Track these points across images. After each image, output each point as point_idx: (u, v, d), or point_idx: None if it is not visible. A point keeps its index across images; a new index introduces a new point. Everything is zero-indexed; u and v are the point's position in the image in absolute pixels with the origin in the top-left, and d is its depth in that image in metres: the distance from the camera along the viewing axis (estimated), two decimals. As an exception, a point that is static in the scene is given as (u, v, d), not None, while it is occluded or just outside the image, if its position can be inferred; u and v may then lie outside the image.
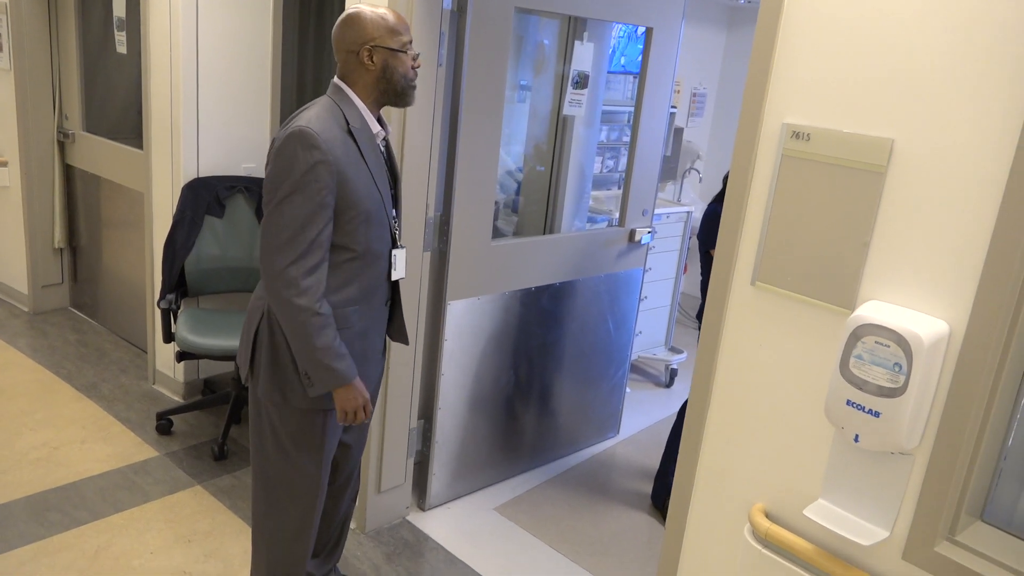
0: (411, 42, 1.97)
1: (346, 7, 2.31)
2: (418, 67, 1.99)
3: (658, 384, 4.51)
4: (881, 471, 1.47)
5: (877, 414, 1.39)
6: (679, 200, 5.15)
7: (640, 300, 3.65)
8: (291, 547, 2.19)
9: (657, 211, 4.31)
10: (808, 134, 1.51)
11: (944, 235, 1.36)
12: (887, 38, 1.39)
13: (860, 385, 1.40)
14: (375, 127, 1.99)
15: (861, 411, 1.41)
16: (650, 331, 4.47)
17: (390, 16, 1.93)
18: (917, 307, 1.40)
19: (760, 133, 1.59)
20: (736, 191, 1.64)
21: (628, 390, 4.24)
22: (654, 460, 3.58)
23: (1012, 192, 1.27)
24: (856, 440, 1.43)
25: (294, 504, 2.14)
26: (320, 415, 2.06)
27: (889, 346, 1.36)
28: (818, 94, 1.50)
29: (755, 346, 1.65)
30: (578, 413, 3.55)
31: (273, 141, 1.91)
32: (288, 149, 1.83)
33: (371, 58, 1.91)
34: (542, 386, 3.34)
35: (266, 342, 2.00)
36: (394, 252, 2.08)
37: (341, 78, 1.97)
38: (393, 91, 1.97)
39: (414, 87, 2.00)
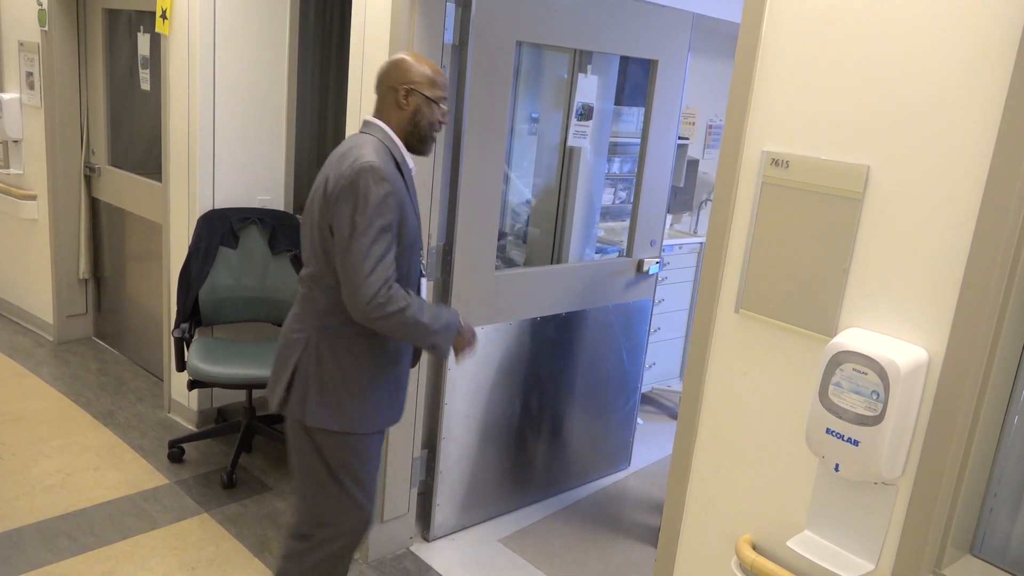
0: (445, 99, 2.11)
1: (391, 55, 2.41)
2: (444, 124, 2.13)
3: (672, 416, 4.46)
4: (864, 502, 1.44)
5: (856, 443, 1.37)
6: (695, 231, 5.13)
7: (652, 331, 3.64)
8: (337, 566, 2.28)
9: (670, 242, 4.31)
10: (787, 161, 1.52)
11: (921, 261, 1.35)
12: (862, 67, 1.40)
13: (839, 413, 1.38)
14: (411, 162, 2.12)
15: (840, 439, 1.39)
16: (664, 362, 4.44)
17: (433, 69, 2.09)
18: (896, 334, 1.39)
19: (741, 161, 1.59)
20: (719, 219, 1.64)
21: (640, 422, 4.21)
22: (665, 493, 3.52)
23: (985, 218, 1.25)
24: (836, 469, 1.41)
25: (345, 526, 2.21)
26: (367, 437, 2.14)
27: (867, 373, 1.34)
28: (796, 122, 1.50)
29: (740, 374, 1.64)
30: (587, 445, 3.52)
31: (327, 180, 1.99)
32: (361, 183, 1.92)
33: (407, 98, 2.05)
34: (550, 417, 3.32)
35: (313, 372, 2.06)
36: (422, 280, 2.23)
37: (376, 114, 2.10)
38: (417, 135, 2.09)
39: (435, 139, 2.14)
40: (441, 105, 2.10)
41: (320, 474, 2.14)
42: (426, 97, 2.05)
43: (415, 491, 2.95)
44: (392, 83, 2.06)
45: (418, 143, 2.11)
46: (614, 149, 3.82)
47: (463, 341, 2.14)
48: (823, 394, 1.40)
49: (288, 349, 2.11)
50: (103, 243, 4.58)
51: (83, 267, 4.55)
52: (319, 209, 2.00)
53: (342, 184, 1.94)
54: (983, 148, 1.26)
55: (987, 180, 1.25)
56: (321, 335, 2.06)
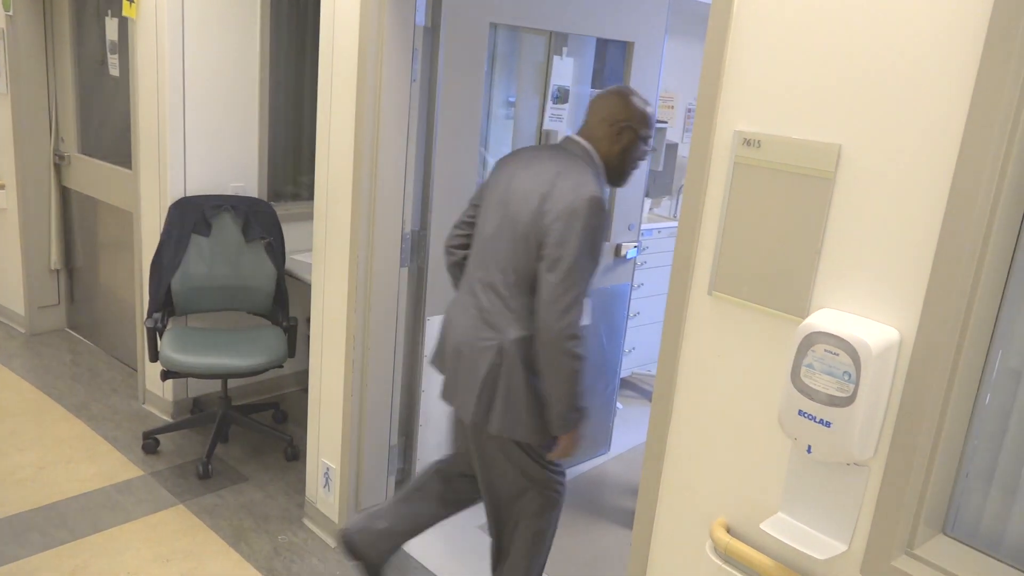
0: (652, 137, 2.22)
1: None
2: (643, 160, 2.24)
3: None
4: (837, 483, 1.44)
5: (828, 424, 1.36)
6: (675, 216, 5.12)
7: (631, 316, 3.63)
8: (542, 553, 2.39)
9: (649, 226, 4.29)
10: (759, 141, 1.50)
11: (893, 241, 1.33)
12: (833, 46, 1.38)
13: (811, 395, 1.37)
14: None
15: (812, 421, 1.38)
16: (643, 347, 4.43)
17: (650, 110, 2.18)
18: (868, 314, 1.38)
19: (713, 141, 1.57)
20: (691, 200, 1.62)
21: (620, 406, 4.21)
22: (644, 477, 3.53)
23: (955, 197, 1.24)
24: (809, 451, 1.40)
25: (554, 514, 2.36)
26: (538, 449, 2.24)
27: (838, 354, 1.33)
28: (768, 101, 1.48)
29: (714, 356, 1.62)
30: (566, 430, 3.50)
31: (544, 195, 2.06)
32: (588, 215, 2.00)
33: (620, 134, 2.13)
34: (528, 403, 3.30)
35: (504, 382, 2.11)
36: None
37: (586, 137, 2.16)
38: (619, 170, 2.19)
39: (631, 176, 2.25)
40: (648, 146, 2.20)
41: (509, 475, 2.25)
42: (638, 136, 2.14)
43: (392, 479, 2.93)
44: (609, 117, 2.14)
45: (617, 177, 2.20)
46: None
47: (579, 438, 2.18)
48: (795, 376, 1.39)
49: (476, 357, 2.13)
50: (74, 233, 4.50)
51: (54, 257, 4.48)
52: (530, 223, 2.06)
53: (567, 207, 2.00)
54: (955, 126, 1.24)
55: (957, 159, 1.24)
56: (517, 344, 2.09)
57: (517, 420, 2.11)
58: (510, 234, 2.09)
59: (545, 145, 2.31)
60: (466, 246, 2.31)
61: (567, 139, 2.19)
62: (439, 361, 2.31)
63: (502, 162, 2.26)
